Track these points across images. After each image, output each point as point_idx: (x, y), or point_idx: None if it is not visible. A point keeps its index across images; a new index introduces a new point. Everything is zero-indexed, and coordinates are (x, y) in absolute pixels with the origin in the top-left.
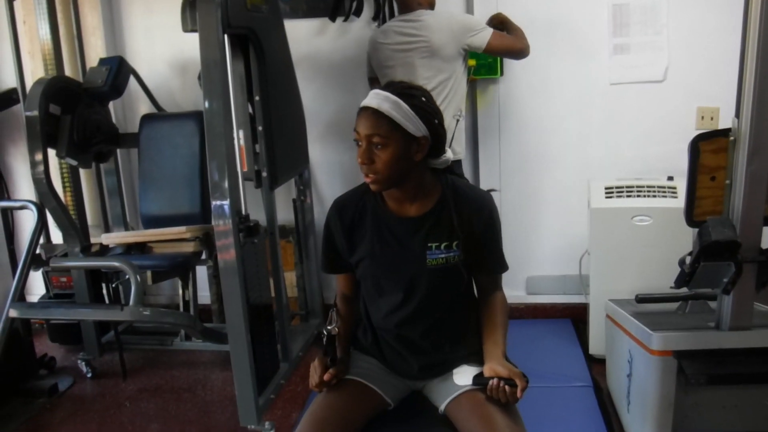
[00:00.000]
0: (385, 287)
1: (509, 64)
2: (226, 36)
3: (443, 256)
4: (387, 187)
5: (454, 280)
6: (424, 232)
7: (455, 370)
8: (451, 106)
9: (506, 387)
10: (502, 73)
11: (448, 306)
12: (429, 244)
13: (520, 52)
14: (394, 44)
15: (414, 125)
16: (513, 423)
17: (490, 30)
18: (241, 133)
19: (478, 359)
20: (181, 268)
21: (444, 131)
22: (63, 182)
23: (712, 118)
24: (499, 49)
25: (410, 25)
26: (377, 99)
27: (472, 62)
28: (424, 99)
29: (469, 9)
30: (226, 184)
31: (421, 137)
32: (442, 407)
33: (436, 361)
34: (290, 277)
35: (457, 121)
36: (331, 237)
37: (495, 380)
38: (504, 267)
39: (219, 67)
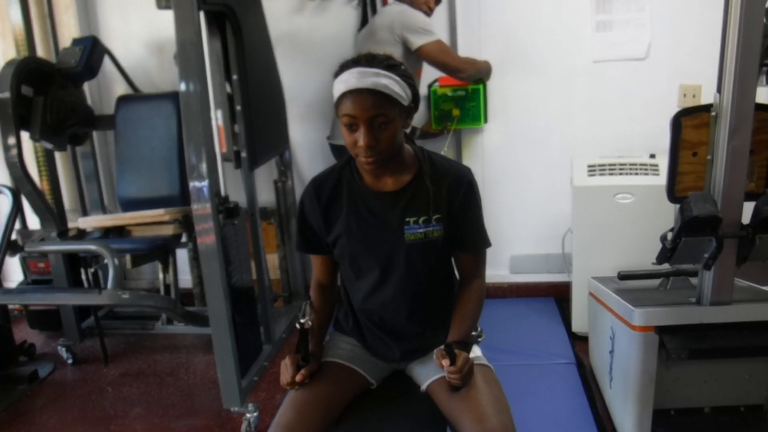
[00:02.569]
0: (363, 265)
1: (493, 44)
2: (202, 13)
3: (422, 230)
4: (386, 164)
5: (434, 255)
6: (402, 206)
7: (436, 350)
8: None
9: (450, 377)
10: (486, 121)
11: (429, 286)
12: (407, 219)
13: (456, 71)
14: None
15: (406, 95)
16: (496, 401)
17: (434, 38)
18: (219, 113)
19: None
20: (161, 251)
21: (415, 87)
22: (38, 166)
23: (694, 96)
24: (432, 60)
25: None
26: (370, 78)
27: (456, 112)
28: (402, 66)
29: (452, 5)
30: (204, 166)
31: (409, 105)
32: (424, 386)
33: (417, 347)
34: (272, 259)
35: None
36: (306, 215)
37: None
38: (485, 242)
39: (195, 45)
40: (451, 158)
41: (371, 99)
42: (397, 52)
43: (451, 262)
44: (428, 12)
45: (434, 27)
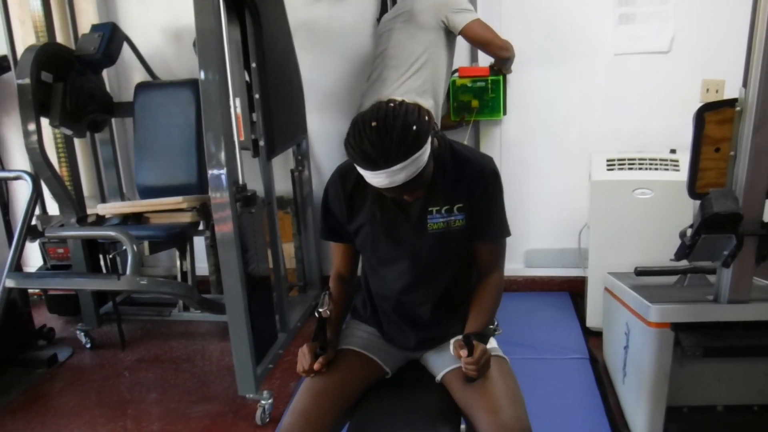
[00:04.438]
0: (385, 255)
1: (512, 35)
2: (221, 1)
3: (444, 220)
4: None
5: (455, 245)
6: (424, 196)
7: (453, 340)
8: (430, 88)
9: (467, 367)
10: (505, 113)
11: (449, 276)
12: (429, 209)
13: (501, 48)
14: (389, 13)
15: (426, 150)
16: (511, 392)
17: (476, 16)
18: (237, 101)
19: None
20: (179, 238)
21: (431, 120)
22: (58, 153)
23: (717, 91)
24: (477, 38)
25: None
26: (388, 179)
27: (475, 103)
28: (415, 126)
29: None
30: (223, 154)
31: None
32: (439, 377)
33: (433, 335)
34: (288, 249)
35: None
36: (330, 203)
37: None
38: (505, 231)
39: (214, 32)
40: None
41: (407, 184)
42: (437, 37)
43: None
44: None
45: None
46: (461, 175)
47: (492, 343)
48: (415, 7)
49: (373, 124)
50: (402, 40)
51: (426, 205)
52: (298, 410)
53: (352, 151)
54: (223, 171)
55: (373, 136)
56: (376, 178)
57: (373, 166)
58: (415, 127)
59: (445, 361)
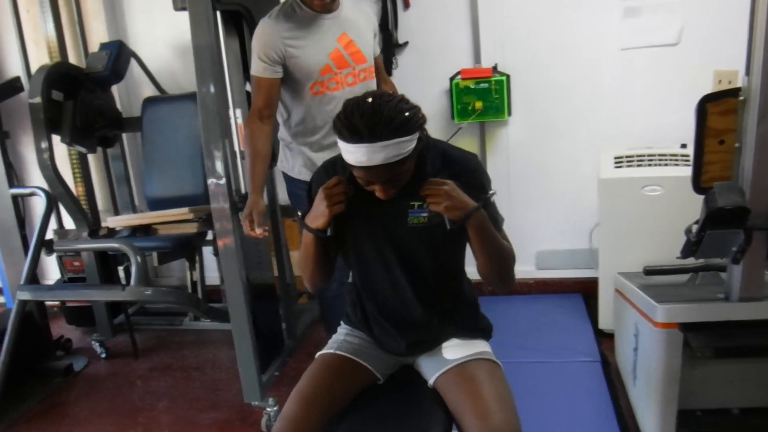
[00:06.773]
0: (367, 250)
1: (515, 35)
2: (218, 14)
3: (425, 214)
4: None
5: (438, 240)
6: (406, 190)
7: (444, 344)
8: None
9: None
10: (510, 114)
11: (434, 272)
12: (411, 203)
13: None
14: None
15: (416, 136)
16: (500, 398)
17: (254, 72)
18: (238, 111)
19: (468, 333)
20: (186, 248)
21: (423, 119)
22: (73, 169)
23: (729, 82)
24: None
25: None
26: (379, 154)
27: (479, 105)
28: (407, 113)
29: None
30: (221, 164)
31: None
32: (431, 381)
33: (424, 338)
34: (297, 257)
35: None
36: (314, 194)
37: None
38: (498, 220)
39: (210, 44)
40: (466, 150)
41: (384, 168)
42: None
43: (459, 252)
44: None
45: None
46: (446, 173)
47: (485, 347)
48: None
49: (369, 100)
50: None
51: (408, 199)
52: (287, 417)
53: (339, 123)
54: (222, 181)
55: (365, 109)
56: (355, 153)
57: (357, 138)
58: (407, 114)
59: (437, 364)
